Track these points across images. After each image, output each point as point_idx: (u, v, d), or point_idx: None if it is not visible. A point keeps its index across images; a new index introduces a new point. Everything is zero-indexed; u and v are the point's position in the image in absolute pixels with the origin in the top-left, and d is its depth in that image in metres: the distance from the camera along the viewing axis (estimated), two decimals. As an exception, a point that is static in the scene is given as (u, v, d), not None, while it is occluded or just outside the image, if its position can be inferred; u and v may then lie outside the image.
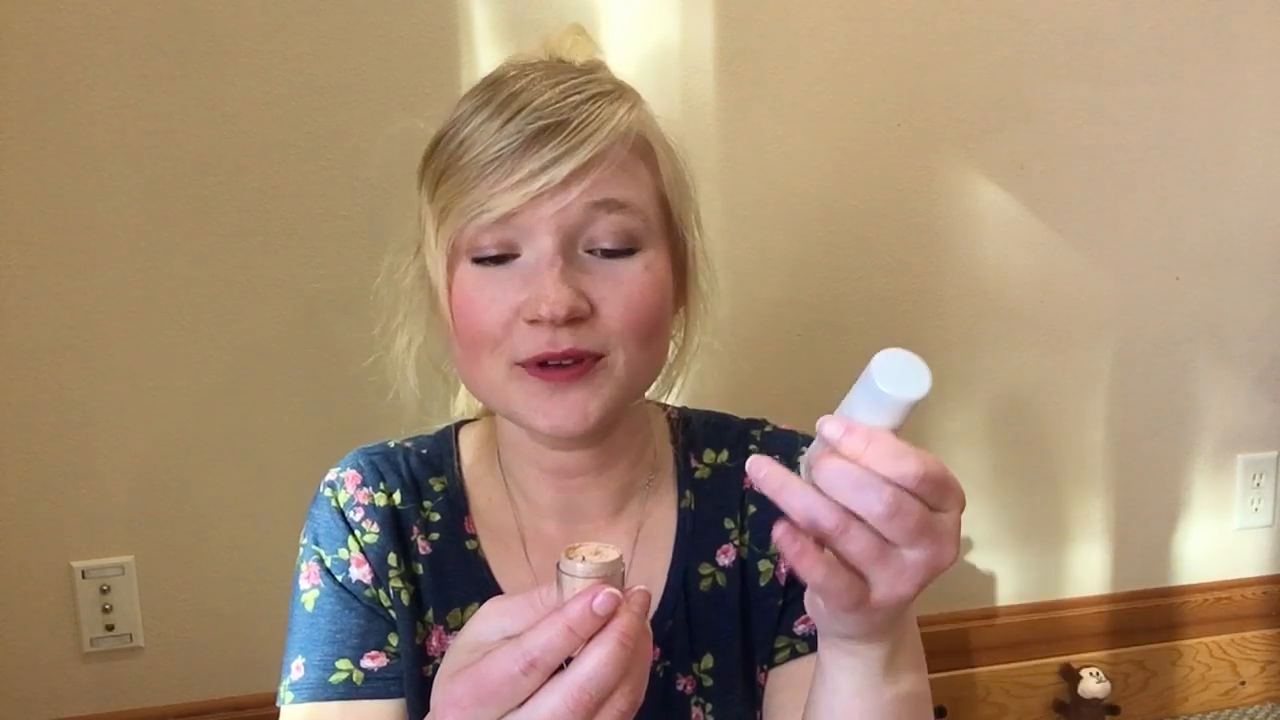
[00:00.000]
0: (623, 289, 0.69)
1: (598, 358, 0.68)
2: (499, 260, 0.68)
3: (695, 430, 0.83)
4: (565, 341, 0.67)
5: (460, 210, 0.67)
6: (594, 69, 0.73)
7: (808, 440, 0.83)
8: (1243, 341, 1.68)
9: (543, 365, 0.68)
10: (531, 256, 0.68)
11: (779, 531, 0.52)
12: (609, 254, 0.69)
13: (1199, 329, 1.66)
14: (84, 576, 1.35)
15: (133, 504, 1.35)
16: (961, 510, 0.53)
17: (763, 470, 0.52)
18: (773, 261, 1.48)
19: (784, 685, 0.77)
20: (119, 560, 1.36)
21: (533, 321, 0.67)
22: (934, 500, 0.52)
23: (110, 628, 1.37)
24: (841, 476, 0.50)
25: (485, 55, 1.34)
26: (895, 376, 0.51)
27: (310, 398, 1.36)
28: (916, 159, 1.50)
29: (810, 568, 0.52)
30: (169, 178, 1.30)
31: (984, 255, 1.55)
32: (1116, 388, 1.65)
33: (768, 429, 0.83)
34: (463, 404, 0.85)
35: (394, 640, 0.75)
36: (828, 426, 0.51)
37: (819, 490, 0.51)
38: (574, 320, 0.67)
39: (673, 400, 0.85)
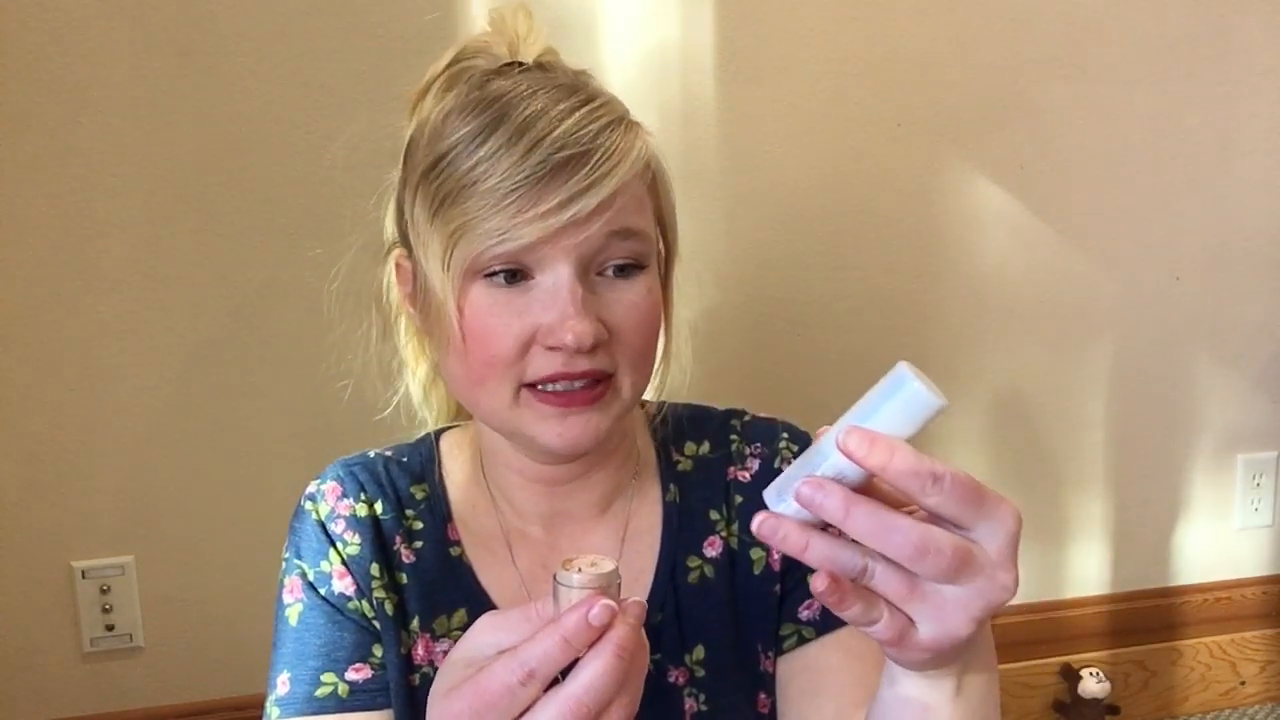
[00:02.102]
0: (632, 314, 0.70)
1: (609, 378, 0.70)
2: (510, 280, 0.68)
3: (675, 424, 0.83)
4: (582, 364, 0.68)
5: (480, 235, 0.67)
6: (581, 81, 0.73)
7: (787, 427, 0.83)
8: (1242, 341, 1.68)
9: (552, 389, 0.68)
10: (548, 281, 0.68)
11: (814, 584, 0.50)
12: (617, 274, 0.70)
13: (1199, 329, 1.66)
14: (84, 576, 1.35)
15: (133, 504, 1.35)
16: (1014, 530, 0.50)
17: (778, 532, 0.50)
18: (773, 261, 1.48)
19: (797, 672, 0.77)
20: (119, 560, 1.36)
21: (552, 348, 0.67)
22: (969, 519, 0.49)
23: (110, 628, 1.37)
24: (866, 521, 0.48)
25: (485, 55, 1.34)
26: (924, 382, 0.49)
27: (312, 398, 1.36)
28: (916, 159, 1.50)
29: (842, 605, 0.50)
30: (168, 178, 1.30)
31: (984, 255, 1.55)
32: (1116, 388, 1.65)
33: (746, 418, 0.84)
34: (418, 397, 0.84)
35: (378, 652, 0.75)
36: (851, 439, 0.48)
37: (826, 529, 0.50)
38: (595, 345, 0.68)
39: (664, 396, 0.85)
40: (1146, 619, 1.72)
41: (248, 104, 1.30)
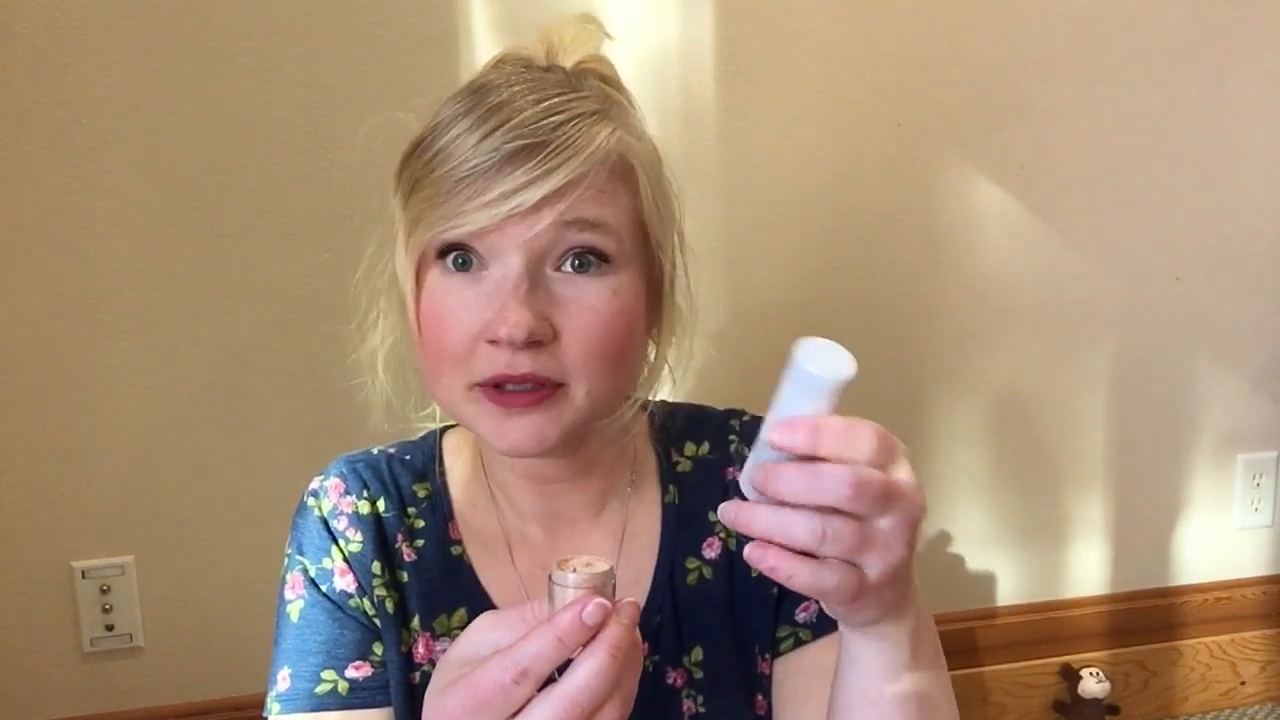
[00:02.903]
0: (586, 315, 0.67)
1: (557, 385, 0.67)
2: (463, 266, 0.67)
3: (674, 425, 0.83)
4: (524, 365, 0.66)
5: (430, 223, 0.66)
6: (581, 80, 0.71)
7: None
8: (1243, 341, 1.68)
9: (500, 388, 0.67)
10: (499, 273, 0.67)
11: (748, 552, 0.53)
12: (578, 271, 0.67)
13: (1199, 329, 1.66)
14: (84, 576, 1.35)
15: (133, 504, 1.35)
16: (909, 458, 0.54)
17: (738, 516, 0.53)
18: (773, 261, 1.48)
19: (792, 673, 0.77)
20: (119, 560, 1.36)
21: (493, 342, 0.66)
22: (885, 459, 0.52)
23: (110, 628, 1.37)
24: (799, 479, 0.51)
25: (485, 55, 1.33)
26: (823, 361, 0.53)
27: (311, 397, 1.36)
28: (916, 159, 1.50)
29: (791, 573, 0.52)
30: (168, 178, 1.30)
31: (984, 255, 1.55)
32: (1116, 388, 1.65)
33: (745, 418, 0.84)
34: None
35: (379, 649, 0.75)
36: (776, 433, 0.52)
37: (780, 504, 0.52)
38: (534, 344, 0.66)
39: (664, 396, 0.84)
40: (1146, 619, 1.72)
41: (248, 104, 1.30)
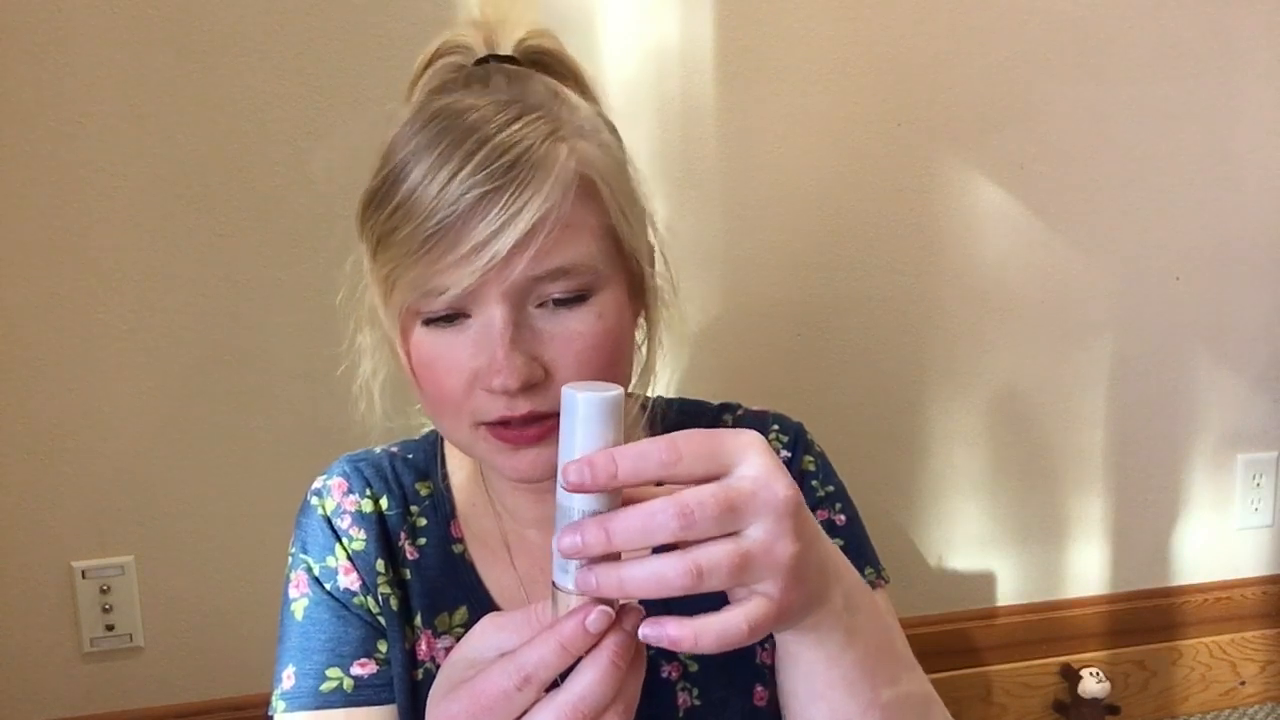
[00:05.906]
0: (575, 344, 0.67)
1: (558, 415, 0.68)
2: (451, 319, 0.67)
3: (668, 420, 0.83)
4: (523, 406, 0.66)
5: (407, 284, 0.66)
6: (525, 84, 0.69)
7: (778, 418, 0.83)
8: (1243, 341, 1.68)
9: (505, 424, 0.67)
10: (480, 321, 0.66)
11: (645, 633, 0.49)
12: (558, 305, 0.67)
13: (1199, 329, 1.66)
14: (84, 576, 1.35)
15: (133, 504, 1.35)
16: (758, 442, 0.50)
17: (606, 582, 0.48)
18: (773, 261, 1.48)
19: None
20: (119, 560, 1.36)
21: (489, 390, 0.66)
22: (718, 465, 0.49)
23: (110, 628, 1.37)
24: (626, 523, 0.47)
25: (485, 55, 1.34)
26: (590, 391, 0.49)
27: (311, 397, 1.36)
28: (916, 159, 1.50)
29: (698, 634, 0.49)
30: (168, 178, 1.30)
31: (984, 255, 1.55)
32: (1116, 388, 1.65)
33: (739, 412, 0.84)
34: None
35: (383, 647, 0.75)
36: (571, 473, 0.48)
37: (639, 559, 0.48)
38: (529, 386, 0.66)
39: (663, 392, 0.84)
40: (1146, 619, 1.72)
41: (248, 104, 1.30)
